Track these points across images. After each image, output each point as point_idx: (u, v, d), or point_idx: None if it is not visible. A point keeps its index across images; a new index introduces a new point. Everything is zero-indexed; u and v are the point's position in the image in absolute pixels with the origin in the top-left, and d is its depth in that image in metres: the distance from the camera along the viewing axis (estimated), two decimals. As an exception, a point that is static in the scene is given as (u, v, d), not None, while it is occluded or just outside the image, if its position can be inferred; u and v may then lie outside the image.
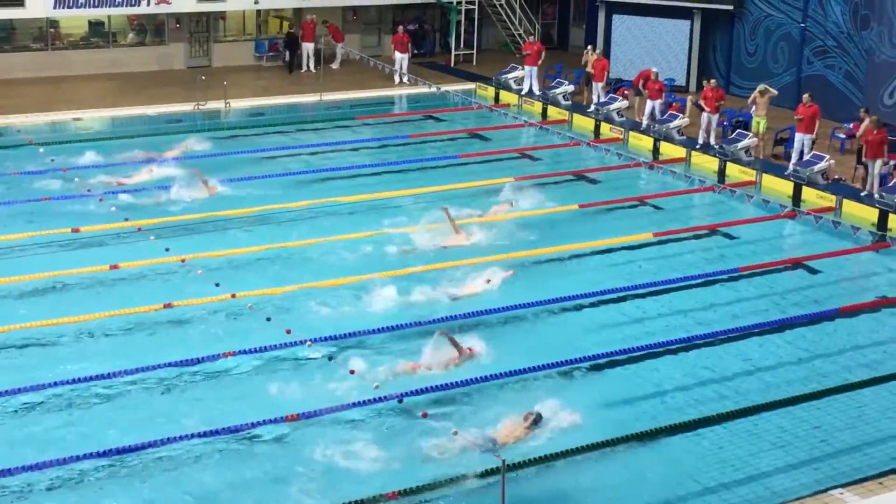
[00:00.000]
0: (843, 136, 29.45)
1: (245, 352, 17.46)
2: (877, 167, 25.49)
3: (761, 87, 28.92)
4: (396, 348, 18.01)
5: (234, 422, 15.50)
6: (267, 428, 15.50)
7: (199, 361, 17.17)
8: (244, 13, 38.03)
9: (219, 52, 37.60)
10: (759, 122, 28.56)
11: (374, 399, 16.06)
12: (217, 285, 19.31)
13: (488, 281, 20.34)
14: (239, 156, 27.89)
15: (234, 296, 19.12)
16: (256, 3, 36.83)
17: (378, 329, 18.39)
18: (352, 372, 16.58)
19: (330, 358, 17.24)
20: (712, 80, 29.73)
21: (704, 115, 29.29)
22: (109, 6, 34.79)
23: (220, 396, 16.54)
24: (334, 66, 37.68)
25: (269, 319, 18.22)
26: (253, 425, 15.46)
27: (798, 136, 27.43)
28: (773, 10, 33.98)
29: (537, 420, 15.49)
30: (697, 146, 29.22)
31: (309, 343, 17.56)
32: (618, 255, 22.48)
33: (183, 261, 20.67)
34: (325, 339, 17.91)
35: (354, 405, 16.00)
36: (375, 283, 20.09)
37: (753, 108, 28.97)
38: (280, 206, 24.22)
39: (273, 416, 15.64)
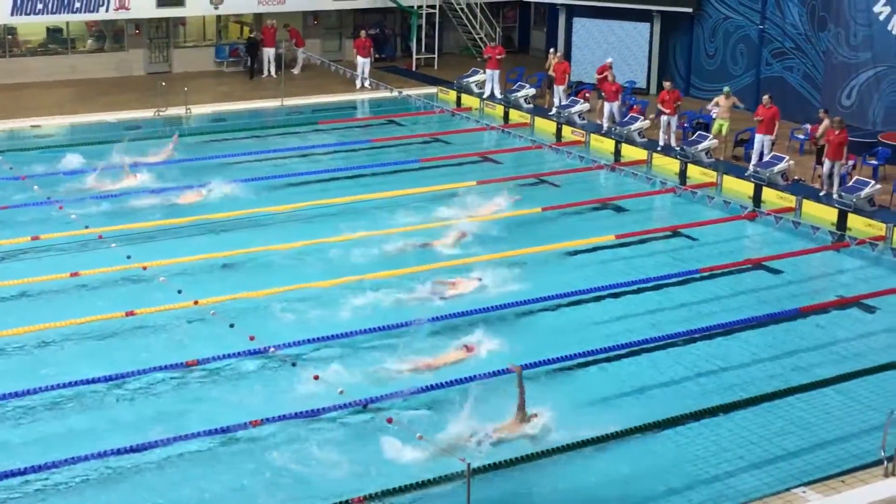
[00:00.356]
0: (802, 136, 29.70)
1: (208, 358, 17.39)
2: (836, 167, 25.72)
3: (727, 90, 29.05)
4: (362, 353, 18.01)
5: (198, 428, 15.43)
6: (231, 434, 15.45)
7: (161, 369, 17.08)
8: (204, 19, 37.89)
9: (179, 57, 37.43)
10: (722, 124, 28.74)
11: (339, 405, 16.04)
12: (179, 292, 19.25)
13: (479, 279, 20.62)
14: (200, 162, 27.72)
15: (196, 302, 19.06)
16: (216, 8, 36.70)
17: (343, 334, 18.37)
18: (315, 377, 16.56)
19: (294, 364, 17.21)
20: (667, 83, 29.92)
21: (664, 117, 29.47)
22: (68, 12, 34.55)
23: (183, 403, 16.45)
24: (295, 71, 37.63)
25: (232, 326, 18.18)
26: (216, 431, 15.41)
27: (758, 138, 27.65)
28: (732, 12, 34.22)
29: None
30: (658, 148, 29.39)
31: (273, 349, 17.53)
32: (580, 257, 22.55)
33: (145, 268, 20.57)
34: (290, 344, 17.86)
35: (319, 411, 15.98)
36: (341, 288, 20.13)
37: (715, 110, 29.13)
38: (242, 213, 24.14)
39: (237, 421, 15.58)
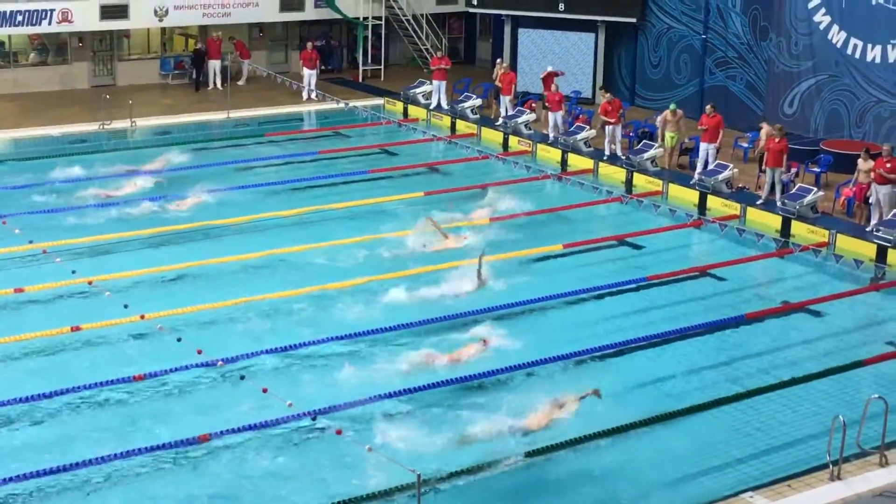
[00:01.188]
0: (745, 145, 30.02)
1: (156, 373, 17.27)
2: (777, 175, 26.01)
3: (672, 107, 29.22)
4: (311, 365, 17.98)
5: (146, 443, 15.31)
6: (179, 449, 15.35)
7: (108, 384, 16.93)
8: (149, 31, 37.63)
9: (123, 70, 37.16)
10: (673, 136, 28.95)
11: (288, 417, 15.98)
12: (126, 307, 19.08)
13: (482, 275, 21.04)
14: (143, 175, 27.46)
15: (143, 317, 18.92)
16: (161, 20, 36.48)
17: (292, 346, 18.32)
18: (264, 391, 16.46)
19: (242, 377, 17.13)
20: (607, 94, 30.15)
21: (608, 127, 29.68)
22: (10, 25, 34.18)
23: (130, 418, 16.33)
24: (241, 83, 37.47)
25: (179, 340, 18.05)
26: (164, 446, 15.29)
27: (702, 146, 27.91)
28: (676, 22, 34.54)
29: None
30: (604, 157, 29.57)
31: (220, 363, 17.43)
32: (528, 266, 22.60)
33: (90, 283, 20.40)
34: (237, 357, 17.78)
35: (267, 424, 15.91)
36: (290, 300, 20.15)
37: (663, 123, 29.27)
38: (189, 226, 24.01)
39: (185, 436, 15.49)
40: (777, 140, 25.99)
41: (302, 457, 15.42)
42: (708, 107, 28.28)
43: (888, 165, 24.41)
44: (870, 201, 24.80)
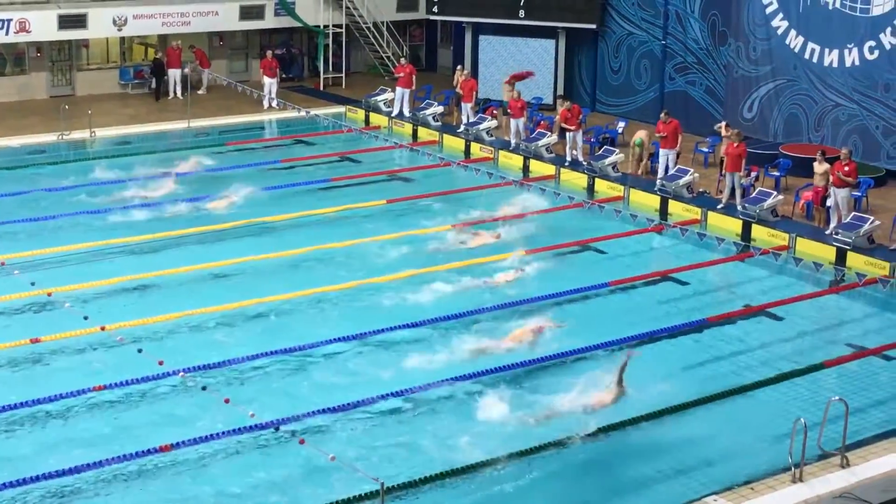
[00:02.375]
0: (706, 149, 30.18)
1: (117, 384, 17.14)
2: (736, 179, 26.16)
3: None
4: (272, 374, 17.92)
5: (108, 455, 15.18)
6: (140, 460, 15.23)
7: (70, 395, 16.80)
8: (108, 40, 37.44)
9: (82, 80, 36.93)
10: (640, 143, 29.05)
11: (250, 427, 15.90)
12: (86, 318, 18.91)
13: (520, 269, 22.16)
14: (104, 186, 27.31)
15: (103, 328, 18.77)
16: (120, 30, 36.29)
17: (252, 356, 18.24)
18: (226, 401, 16.36)
19: (204, 388, 17.02)
20: (566, 101, 30.25)
21: (569, 133, 29.77)
22: (-34, 36, 33.99)
23: (91, 429, 16.21)
24: (201, 91, 37.31)
25: (140, 351, 17.91)
26: (126, 458, 15.17)
27: (662, 152, 28.04)
28: (635, 28, 34.70)
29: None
30: (566, 164, 29.65)
31: (182, 374, 17.32)
32: (491, 273, 22.56)
33: (49, 294, 20.22)
34: (198, 368, 17.69)
35: (229, 433, 15.83)
36: (250, 309, 20.10)
37: (625, 126, 29.36)
38: (149, 237, 23.86)
39: (146, 447, 15.37)
40: (735, 145, 26.14)
41: (264, 466, 15.34)
42: (662, 114, 28.43)
43: (846, 169, 24.62)
44: (828, 204, 24.99)
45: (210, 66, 37.59)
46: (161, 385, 17.33)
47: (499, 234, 24.53)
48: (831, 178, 24.85)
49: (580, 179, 28.81)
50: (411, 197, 27.34)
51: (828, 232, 24.58)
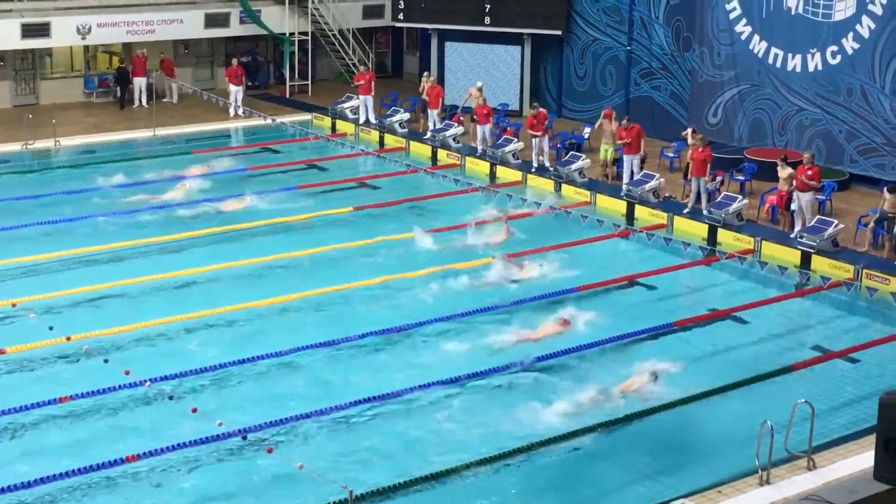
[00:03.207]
0: (671, 154, 30.32)
1: (83, 395, 17.04)
2: (701, 184, 26.30)
3: (607, 111, 29.47)
4: (240, 383, 17.86)
5: (73, 466, 15.08)
6: (106, 471, 15.13)
7: (35, 406, 16.67)
8: (72, 49, 37.22)
9: (46, 89, 36.70)
10: (607, 149, 29.12)
11: (218, 436, 15.84)
12: (51, 328, 18.77)
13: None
14: (67, 196, 27.13)
15: (69, 338, 18.66)
16: (84, 38, 36.08)
17: (219, 365, 18.17)
18: (193, 410, 16.29)
19: (171, 397, 16.95)
20: (532, 107, 30.33)
21: (535, 139, 29.85)
22: (-72, 45, 33.72)
23: (57, 440, 16.12)
24: (173, 100, 37.08)
25: (106, 361, 17.79)
26: (91, 468, 15.07)
27: (626, 158, 28.14)
28: (600, 34, 34.83)
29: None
30: (532, 169, 29.72)
31: (149, 384, 17.23)
32: (459, 280, 22.57)
33: (14, 305, 20.08)
34: (165, 377, 17.60)
35: (196, 442, 15.76)
36: (215, 319, 20.05)
37: (591, 131, 29.36)
38: (115, 246, 23.75)
39: (112, 457, 15.28)
40: (700, 150, 26.29)
41: (231, 475, 15.29)
42: (624, 120, 28.54)
43: (809, 173, 24.79)
44: (793, 208, 25.15)
45: (175, 76, 37.37)
46: (127, 394, 17.23)
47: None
48: (795, 182, 25.02)
49: (547, 185, 28.86)
50: (379, 204, 27.30)
51: (793, 235, 24.73)
